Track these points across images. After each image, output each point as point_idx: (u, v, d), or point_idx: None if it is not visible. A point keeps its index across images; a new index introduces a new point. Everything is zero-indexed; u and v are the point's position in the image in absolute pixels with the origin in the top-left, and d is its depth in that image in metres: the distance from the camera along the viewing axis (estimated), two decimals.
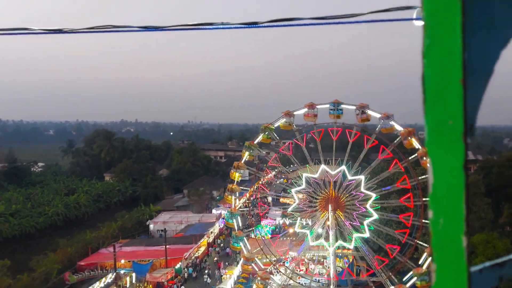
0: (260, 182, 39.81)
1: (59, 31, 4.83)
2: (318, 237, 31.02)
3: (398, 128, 29.37)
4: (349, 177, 30.09)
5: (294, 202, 31.28)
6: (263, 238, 36.67)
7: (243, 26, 4.43)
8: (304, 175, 30.77)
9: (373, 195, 29.49)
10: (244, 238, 29.72)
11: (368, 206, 29.42)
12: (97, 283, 35.26)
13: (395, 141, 29.88)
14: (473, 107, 0.92)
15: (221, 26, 4.45)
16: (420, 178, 29.05)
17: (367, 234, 29.54)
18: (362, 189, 29.71)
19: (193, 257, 45.29)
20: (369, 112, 29.61)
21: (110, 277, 36.29)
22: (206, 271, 42.02)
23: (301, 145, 31.61)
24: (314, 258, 39.29)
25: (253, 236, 40.84)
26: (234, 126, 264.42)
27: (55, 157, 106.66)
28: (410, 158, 29.50)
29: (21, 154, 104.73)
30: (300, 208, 31.74)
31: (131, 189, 75.68)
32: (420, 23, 0.97)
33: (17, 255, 44.26)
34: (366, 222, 29.52)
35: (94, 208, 67.81)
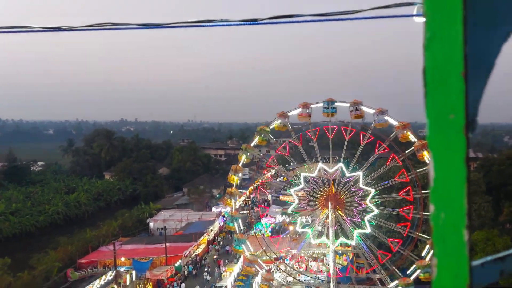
0: (260, 180, 39.89)
1: (58, 29, 4.82)
2: (320, 235, 31.09)
3: (393, 122, 29.46)
4: (347, 174, 30.16)
5: (294, 202, 31.36)
6: (263, 236, 36.71)
7: (243, 23, 4.42)
8: (302, 174, 30.84)
9: (372, 191, 29.60)
10: (246, 240, 29.75)
11: (367, 201, 29.52)
12: (97, 280, 35.31)
13: (391, 136, 30.01)
14: (474, 101, 0.92)
15: (221, 23, 4.44)
16: (418, 171, 29.21)
17: (368, 230, 29.65)
18: (361, 185, 29.80)
19: (193, 255, 45.38)
20: (363, 108, 29.70)
21: (110, 275, 36.34)
22: (206, 269, 42.10)
23: (298, 145, 31.66)
24: (314, 256, 39.38)
25: (253, 234, 40.94)
26: (234, 125, 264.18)
27: (55, 156, 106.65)
28: (407, 151, 29.59)
29: (21, 153, 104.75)
30: (300, 208, 31.83)
31: (131, 188, 75.75)
32: (420, 19, 0.96)
33: (18, 254, 44.33)
34: (366, 217, 29.62)
35: (94, 206, 67.87)
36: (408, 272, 28.24)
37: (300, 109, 30.47)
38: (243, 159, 30.27)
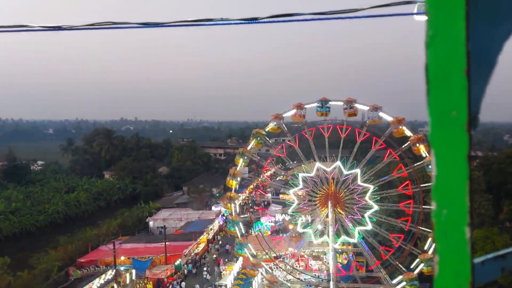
0: (259, 180, 39.89)
1: (58, 28, 4.81)
2: (321, 234, 31.11)
3: (388, 118, 29.46)
4: (345, 172, 30.17)
5: (294, 202, 31.37)
6: (263, 236, 36.72)
7: (243, 22, 4.42)
8: (300, 175, 30.84)
9: (371, 187, 29.61)
10: (248, 244, 29.71)
11: (367, 198, 29.54)
12: (97, 279, 35.32)
13: (386, 131, 30.03)
14: (476, 98, 0.92)
15: (221, 22, 4.43)
16: (415, 164, 29.25)
17: (369, 226, 29.66)
18: (359, 182, 29.81)
19: (192, 254, 45.41)
20: (357, 106, 29.67)
21: (110, 274, 36.35)
22: (205, 268, 42.13)
23: (294, 146, 31.62)
24: (314, 254, 39.41)
25: (252, 233, 40.96)
26: (234, 124, 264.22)
27: (54, 155, 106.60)
28: (403, 146, 29.62)
29: (20, 152, 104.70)
30: (300, 208, 31.85)
31: (131, 187, 75.74)
32: (421, 17, 0.96)
33: (17, 253, 44.39)
34: (367, 214, 29.63)
35: (94, 206, 67.86)
36: (411, 267, 28.24)
37: (294, 110, 30.46)
38: (240, 163, 30.22)
